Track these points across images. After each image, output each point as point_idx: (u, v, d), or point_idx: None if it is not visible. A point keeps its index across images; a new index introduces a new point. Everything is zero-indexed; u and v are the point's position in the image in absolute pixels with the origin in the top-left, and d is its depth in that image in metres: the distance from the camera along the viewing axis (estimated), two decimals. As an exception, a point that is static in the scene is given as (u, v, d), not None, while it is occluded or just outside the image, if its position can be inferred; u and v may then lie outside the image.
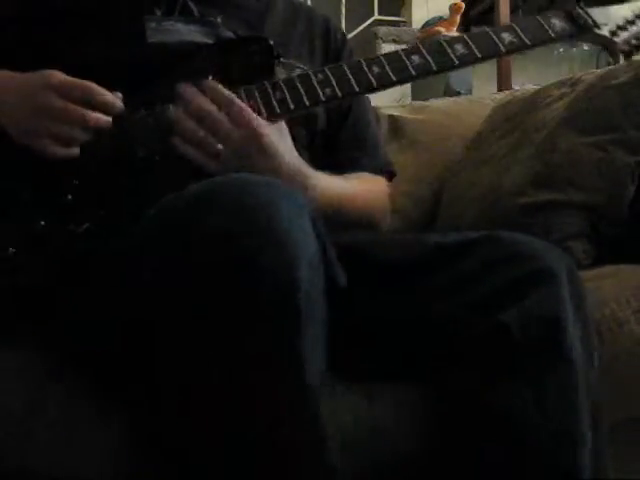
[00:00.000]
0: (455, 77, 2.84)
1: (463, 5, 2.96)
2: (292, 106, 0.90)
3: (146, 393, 0.72)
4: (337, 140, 1.13)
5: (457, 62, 0.94)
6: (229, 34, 1.01)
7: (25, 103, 0.87)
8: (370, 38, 3.41)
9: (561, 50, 3.60)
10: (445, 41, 0.96)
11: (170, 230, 0.68)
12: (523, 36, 0.97)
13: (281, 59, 0.97)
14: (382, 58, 0.94)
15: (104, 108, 0.88)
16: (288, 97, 0.90)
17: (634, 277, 1.08)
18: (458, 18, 2.97)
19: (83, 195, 0.88)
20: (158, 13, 1.01)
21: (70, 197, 0.87)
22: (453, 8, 2.95)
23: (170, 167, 0.88)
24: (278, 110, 0.89)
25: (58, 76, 0.87)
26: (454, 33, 2.94)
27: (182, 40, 0.99)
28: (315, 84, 0.91)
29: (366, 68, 0.93)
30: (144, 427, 0.75)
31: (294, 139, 0.94)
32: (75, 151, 0.87)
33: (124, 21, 1.00)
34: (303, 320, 0.65)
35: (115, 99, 0.89)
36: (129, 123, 0.90)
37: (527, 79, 3.14)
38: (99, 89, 0.88)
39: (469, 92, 2.83)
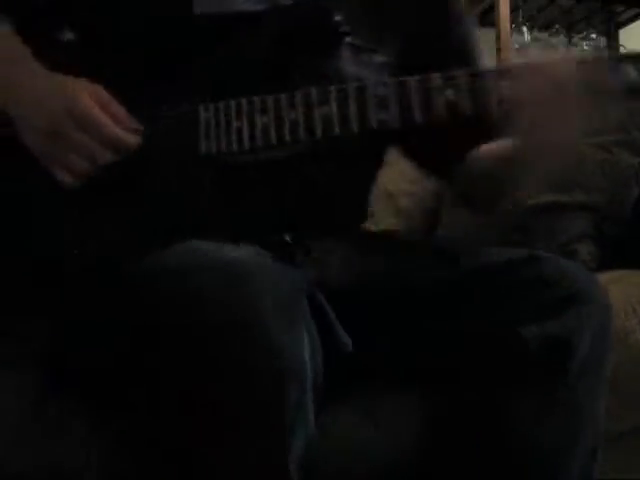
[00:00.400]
0: (455, 77, 2.83)
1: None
2: (337, 130, 0.76)
3: (142, 404, 0.70)
4: None
5: None
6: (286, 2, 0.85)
7: (41, 122, 0.78)
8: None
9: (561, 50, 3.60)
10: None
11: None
12: None
13: (348, 38, 0.82)
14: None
15: (120, 147, 0.77)
16: (335, 115, 0.75)
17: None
18: (458, 18, 2.96)
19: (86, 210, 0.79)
20: None
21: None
22: (453, 8, 2.94)
23: (187, 184, 0.78)
24: (319, 134, 0.75)
25: (82, 104, 0.76)
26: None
27: (232, 11, 0.83)
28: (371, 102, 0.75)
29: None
30: (140, 436, 0.73)
31: None
32: (80, 183, 0.77)
33: None
34: (289, 433, 0.63)
35: (131, 138, 0.77)
36: (145, 128, 0.78)
37: (527, 79, 3.14)
38: (116, 131, 0.76)
39: (469, 92, 2.82)
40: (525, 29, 3.48)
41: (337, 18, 0.80)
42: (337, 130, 0.75)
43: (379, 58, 0.88)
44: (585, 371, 0.78)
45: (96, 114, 0.76)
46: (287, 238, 0.77)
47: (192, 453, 0.63)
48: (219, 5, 0.83)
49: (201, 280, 0.62)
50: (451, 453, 0.81)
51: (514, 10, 3.24)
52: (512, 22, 3.13)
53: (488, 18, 3.40)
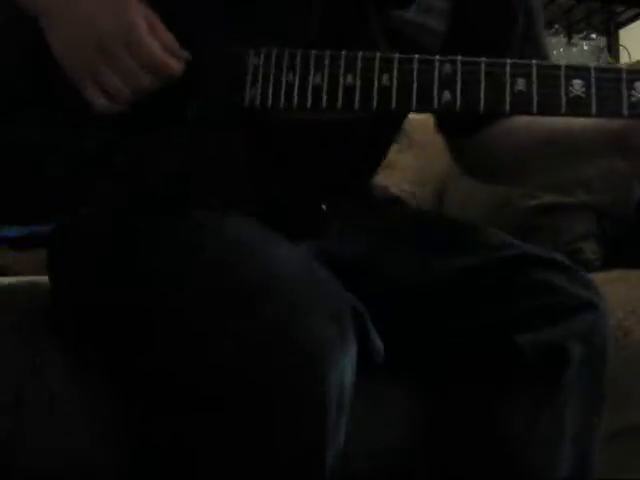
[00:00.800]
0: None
1: (463, 5, 2.94)
2: (394, 104, 0.69)
3: (136, 390, 0.69)
4: None
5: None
6: None
7: (90, 39, 0.71)
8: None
9: (561, 50, 3.59)
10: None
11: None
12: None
13: None
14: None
15: (164, 73, 0.72)
16: (394, 89, 0.68)
17: (641, 284, 1.08)
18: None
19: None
20: None
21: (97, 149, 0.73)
22: (453, 8, 2.94)
23: (220, 138, 0.72)
24: (375, 105, 0.69)
25: (135, 26, 0.71)
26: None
27: None
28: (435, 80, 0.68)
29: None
30: (134, 421, 0.71)
31: None
32: (120, 108, 0.72)
33: None
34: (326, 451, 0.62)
35: (177, 65, 0.72)
36: (190, 65, 0.72)
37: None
38: (164, 57, 0.71)
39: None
40: (525, 29, 3.48)
41: None
42: (394, 105, 0.69)
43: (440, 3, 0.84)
44: (581, 380, 0.77)
45: (148, 39, 0.71)
46: (323, 206, 0.72)
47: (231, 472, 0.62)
48: None
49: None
50: (445, 455, 0.81)
51: (514, 10, 3.24)
52: (512, 22, 3.13)
53: (488, 18, 3.41)
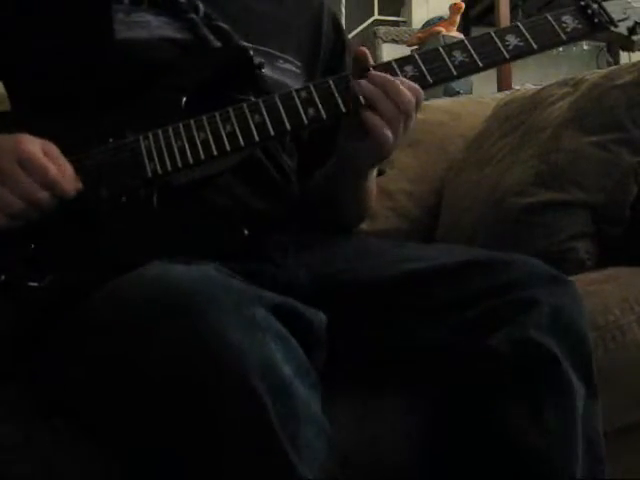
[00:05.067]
0: (455, 77, 2.83)
1: (463, 5, 2.94)
2: (272, 132, 0.84)
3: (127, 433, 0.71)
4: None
5: (455, 73, 0.86)
6: (203, 31, 0.93)
7: None
8: (370, 38, 3.40)
9: (561, 50, 3.59)
10: (443, 48, 0.87)
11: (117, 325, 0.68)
12: (530, 39, 0.88)
13: (262, 69, 0.92)
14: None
15: (60, 194, 0.80)
16: (267, 120, 0.84)
17: (637, 281, 1.07)
18: (458, 18, 2.95)
19: (45, 243, 0.81)
20: (126, 1, 0.91)
21: (32, 246, 0.80)
22: (453, 8, 2.94)
23: (137, 209, 0.83)
24: (257, 138, 0.84)
25: (28, 148, 0.79)
26: (454, 33, 2.93)
27: (153, 37, 0.90)
28: (298, 104, 0.84)
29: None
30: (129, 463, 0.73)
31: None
32: (18, 224, 0.79)
33: (88, 10, 0.90)
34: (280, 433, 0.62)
35: (73, 189, 0.81)
36: (93, 160, 0.84)
37: (527, 78, 3.14)
38: (57, 175, 0.79)
39: (469, 92, 2.81)
40: (525, 29, 3.48)
41: (252, 54, 0.91)
42: (272, 132, 0.84)
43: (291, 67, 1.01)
44: (568, 371, 0.78)
45: (41, 158, 0.79)
46: (245, 232, 0.82)
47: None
48: (139, 31, 0.89)
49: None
50: (443, 459, 0.81)
51: (514, 10, 3.24)
52: (512, 22, 3.13)
53: (488, 18, 3.41)
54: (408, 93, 0.83)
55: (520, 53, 0.88)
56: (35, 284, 0.78)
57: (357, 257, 0.92)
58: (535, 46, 0.88)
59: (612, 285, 1.06)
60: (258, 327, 0.64)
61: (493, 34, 0.88)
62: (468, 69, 0.87)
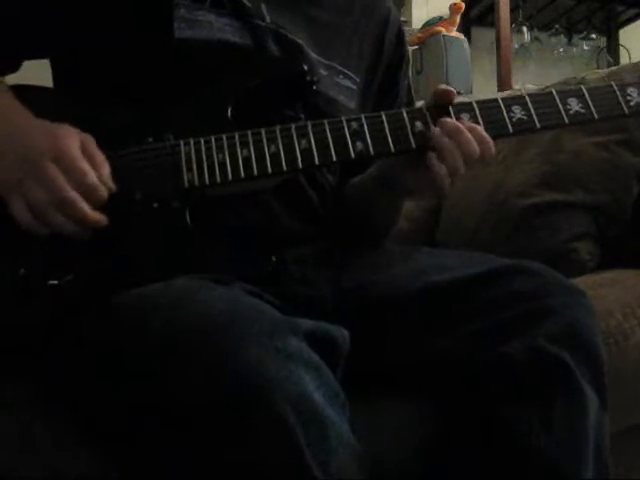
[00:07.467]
0: (455, 77, 2.83)
1: (463, 5, 2.94)
2: (317, 161, 0.81)
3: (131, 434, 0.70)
4: None
5: (512, 130, 0.84)
6: (265, 38, 0.90)
7: (20, 152, 0.75)
8: (370, 38, 3.40)
9: (561, 50, 3.59)
10: (503, 100, 0.84)
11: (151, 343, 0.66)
12: (592, 107, 0.84)
13: (315, 85, 0.89)
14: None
15: (94, 201, 0.76)
16: (314, 148, 0.81)
17: (639, 284, 1.07)
18: (458, 18, 2.95)
19: (68, 241, 0.76)
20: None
21: (55, 243, 0.76)
22: (453, 8, 2.94)
23: (168, 217, 0.79)
24: (300, 165, 0.81)
25: (68, 146, 0.75)
26: (454, 33, 2.92)
27: (212, 38, 0.87)
28: (347, 135, 0.81)
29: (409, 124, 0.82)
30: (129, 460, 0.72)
31: None
32: (44, 231, 0.75)
33: (150, 4, 0.87)
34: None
35: (107, 193, 0.77)
36: (131, 159, 0.80)
37: (527, 78, 3.13)
38: (96, 185, 0.75)
39: (469, 92, 2.81)
40: (525, 29, 3.48)
41: (313, 69, 0.90)
42: (317, 161, 0.81)
43: (349, 83, 0.98)
44: (582, 382, 0.78)
45: (81, 160, 0.75)
46: (273, 259, 0.80)
47: None
48: (200, 31, 0.87)
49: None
50: (454, 461, 0.81)
51: (514, 10, 3.24)
52: (512, 22, 3.13)
53: (488, 18, 3.41)
54: (477, 147, 0.81)
55: (581, 121, 0.85)
56: (55, 282, 0.75)
57: (377, 269, 0.91)
58: (596, 116, 0.85)
59: (615, 289, 1.05)
60: (291, 359, 0.63)
61: (555, 94, 0.85)
62: (525, 128, 0.84)
